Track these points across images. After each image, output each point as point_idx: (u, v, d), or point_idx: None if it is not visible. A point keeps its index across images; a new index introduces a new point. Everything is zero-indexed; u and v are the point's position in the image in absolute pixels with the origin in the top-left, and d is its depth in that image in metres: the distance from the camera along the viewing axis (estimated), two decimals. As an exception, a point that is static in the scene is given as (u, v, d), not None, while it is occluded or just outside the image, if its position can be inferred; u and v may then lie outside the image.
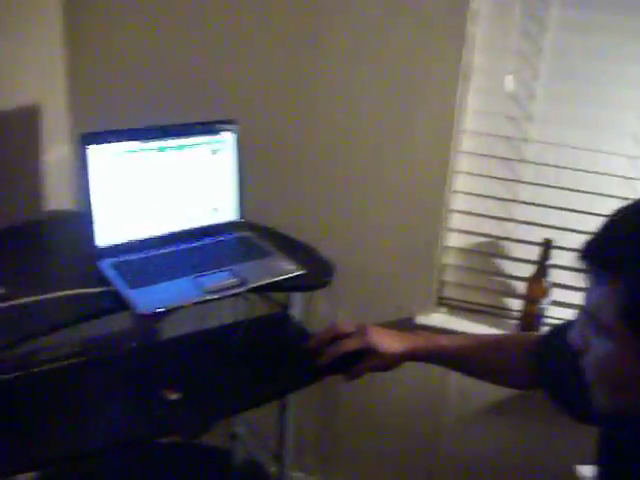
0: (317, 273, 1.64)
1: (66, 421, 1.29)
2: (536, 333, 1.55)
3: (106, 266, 1.54)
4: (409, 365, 1.39)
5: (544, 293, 1.91)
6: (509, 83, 1.87)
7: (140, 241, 1.63)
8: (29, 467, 1.28)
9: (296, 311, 1.72)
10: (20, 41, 1.81)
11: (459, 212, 2.00)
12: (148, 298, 1.43)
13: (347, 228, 2.01)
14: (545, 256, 1.89)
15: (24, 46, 1.83)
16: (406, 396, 2.15)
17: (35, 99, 1.88)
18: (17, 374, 1.40)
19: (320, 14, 1.85)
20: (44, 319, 1.37)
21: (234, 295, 1.52)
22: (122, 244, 1.60)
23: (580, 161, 1.88)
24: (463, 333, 1.94)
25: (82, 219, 1.55)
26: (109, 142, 1.54)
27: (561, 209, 1.92)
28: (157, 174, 1.63)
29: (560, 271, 1.89)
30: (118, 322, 1.64)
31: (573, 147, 1.88)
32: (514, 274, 2.01)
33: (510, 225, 1.98)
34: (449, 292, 2.10)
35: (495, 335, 1.76)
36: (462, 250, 2.04)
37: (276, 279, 1.56)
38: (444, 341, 1.37)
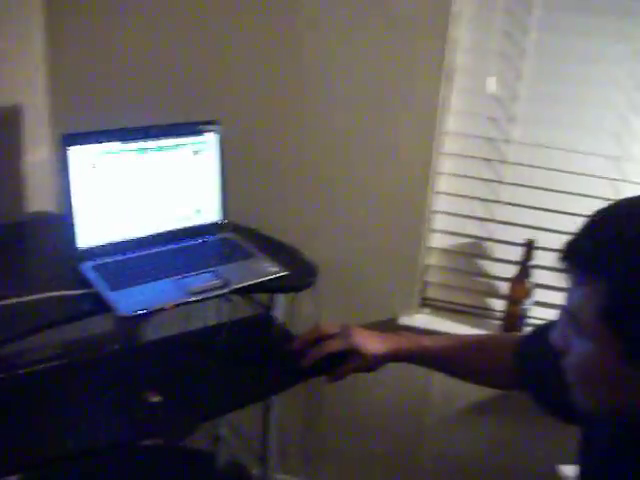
0: (300, 274, 1.64)
1: (48, 424, 1.28)
2: (519, 333, 1.56)
3: (87, 268, 1.53)
4: (392, 366, 1.39)
5: (527, 293, 1.92)
6: (491, 84, 1.88)
7: (122, 243, 1.62)
8: (11, 470, 1.27)
9: (280, 312, 1.71)
10: (0, 41, 1.79)
11: (442, 213, 2.01)
12: (130, 300, 1.42)
13: (330, 229, 2.01)
14: (527, 256, 1.90)
15: (4, 46, 1.81)
16: (389, 397, 2.15)
17: (16, 100, 1.87)
18: (-2, 376, 1.39)
19: (303, 15, 1.85)
20: (25, 321, 1.35)
21: (217, 297, 1.52)
22: (104, 246, 1.59)
23: (562, 162, 1.89)
24: (446, 334, 1.95)
25: (63, 221, 1.54)
26: (90, 143, 1.53)
27: (543, 210, 1.93)
28: (139, 175, 1.62)
29: (543, 271, 1.90)
30: (101, 324, 1.63)
31: (556, 148, 1.89)
32: (497, 275, 2.02)
33: (493, 226, 1.99)
34: (432, 293, 2.10)
35: (478, 336, 1.76)
36: (445, 251, 2.05)
37: (259, 280, 1.56)
38: (427, 342, 1.37)
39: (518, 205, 1.95)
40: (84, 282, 1.48)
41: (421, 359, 1.38)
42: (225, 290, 1.50)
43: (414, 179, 1.92)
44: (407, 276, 2.02)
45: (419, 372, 1.51)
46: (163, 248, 1.66)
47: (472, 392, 2.03)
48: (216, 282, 1.51)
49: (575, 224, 0.88)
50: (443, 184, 1.98)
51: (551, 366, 1.00)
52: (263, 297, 1.72)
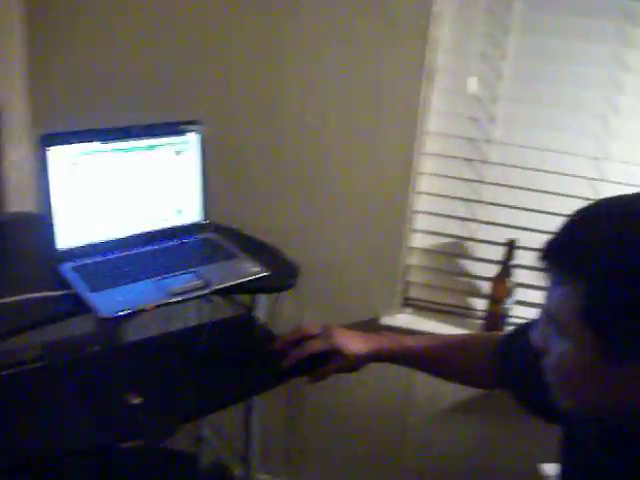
0: (282, 275, 1.64)
1: (27, 426, 1.27)
2: (500, 333, 1.56)
3: (67, 269, 1.51)
4: (375, 366, 1.39)
5: (508, 293, 1.93)
6: (472, 85, 1.88)
7: (102, 243, 1.60)
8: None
9: (261, 313, 1.71)
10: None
11: (424, 213, 2.01)
12: (110, 301, 1.41)
13: (312, 229, 2.01)
14: (509, 256, 1.90)
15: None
16: (372, 397, 2.15)
17: (-6, 99, 1.85)
18: (-24, 379, 1.37)
19: (285, 14, 1.84)
20: (5, 323, 1.34)
21: (198, 297, 1.51)
22: (84, 246, 1.57)
23: (543, 161, 1.90)
24: (428, 333, 1.96)
25: (43, 221, 1.53)
26: (70, 143, 1.51)
27: (524, 209, 1.94)
28: (120, 175, 1.61)
29: (524, 271, 1.91)
30: (81, 326, 1.61)
31: (536, 148, 1.90)
32: (478, 274, 2.03)
33: (474, 225, 1.99)
34: (414, 293, 2.11)
35: (460, 335, 1.76)
36: (427, 251, 2.05)
37: (240, 281, 1.55)
38: (409, 342, 1.37)
39: (499, 205, 1.96)
40: (64, 283, 1.47)
41: (403, 359, 1.38)
42: (206, 291, 1.49)
43: (395, 179, 1.92)
44: (389, 276, 2.02)
45: (401, 372, 1.52)
46: (144, 249, 1.65)
47: (454, 392, 2.04)
48: (197, 283, 1.51)
49: (555, 223, 0.89)
50: (425, 184, 1.98)
51: (532, 365, 1.00)
52: (245, 298, 1.71)
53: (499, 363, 1.26)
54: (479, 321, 2.03)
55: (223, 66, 1.92)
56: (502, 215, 1.96)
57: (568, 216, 0.89)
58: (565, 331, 0.87)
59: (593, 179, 1.88)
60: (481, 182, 1.96)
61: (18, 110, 1.95)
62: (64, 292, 1.45)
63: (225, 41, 1.90)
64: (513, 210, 1.95)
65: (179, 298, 1.46)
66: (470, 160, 1.94)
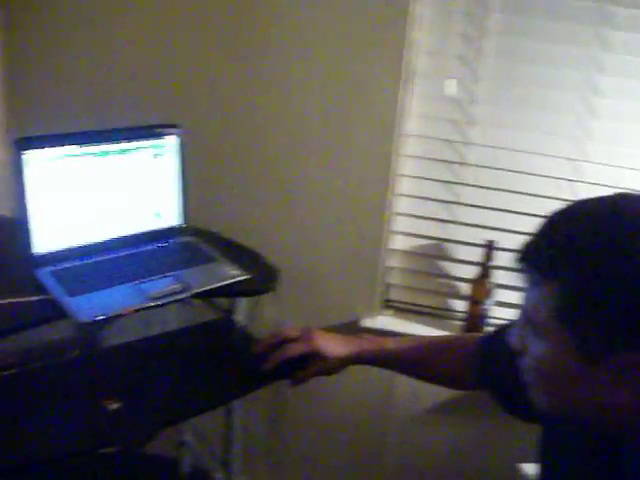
0: (262, 278, 1.63)
1: (4, 433, 1.26)
2: (480, 334, 1.57)
3: (45, 274, 1.50)
4: (355, 369, 1.39)
5: (487, 294, 1.94)
6: (451, 87, 1.89)
7: (80, 247, 1.59)
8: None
9: (241, 316, 1.70)
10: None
11: (403, 215, 2.02)
12: (88, 306, 1.41)
13: (291, 232, 2.01)
14: (488, 257, 1.91)
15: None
16: (353, 399, 2.15)
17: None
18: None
19: (263, 15, 1.84)
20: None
21: (177, 301, 1.50)
22: (61, 251, 1.56)
23: (521, 163, 1.91)
24: (408, 335, 1.96)
25: (19, 226, 1.51)
26: (46, 147, 1.50)
27: (503, 211, 1.95)
28: (97, 179, 1.60)
29: (503, 272, 1.92)
30: (59, 330, 1.60)
31: (514, 150, 1.91)
32: (458, 275, 2.03)
33: (453, 227, 2.00)
34: (394, 294, 2.11)
35: (440, 337, 1.77)
36: (407, 252, 2.06)
37: (220, 284, 1.55)
38: (389, 344, 1.37)
39: (478, 206, 1.97)
40: (41, 288, 1.46)
41: (383, 361, 1.38)
42: (185, 295, 1.49)
43: (374, 181, 1.92)
44: (369, 278, 2.02)
45: (382, 374, 1.52)
46: (122, 253, 1.64)
47: (434, 393, 2.05)
48: (176, 286, 1.50)
49: (534, 225, 0.89)
50: (404, 186, 1.99)
51: (510, 366, 1.01)
52: (224, 301, 1.71)
53: (478, 364, 1.27)
54: (459, 322, 2.04)
55: (202, 69, 1.91)
56: (481, 216, 1.97)
57: (545, 218, 0.89)
58: (542, 332, 0.87)
59: (571, 180, 1.89)
60: (460, 184, 1.96)
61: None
62: (41, 297, 1.44)
63: (204, 43, 1.89)
64: (492, 211, 1.96)
65: (158, 302, 1.46)
66: (449, 162, 1.95)
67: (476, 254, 1.94)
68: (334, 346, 1.36)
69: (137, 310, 1.43)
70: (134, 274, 1.54)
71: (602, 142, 1.86)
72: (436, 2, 1.82)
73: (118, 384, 1.42)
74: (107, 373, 1.48)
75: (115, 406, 1.31)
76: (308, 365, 1.37)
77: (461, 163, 1.95)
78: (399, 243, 2.04)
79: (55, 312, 1.40)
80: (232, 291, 1.60)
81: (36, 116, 1.95)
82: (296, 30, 1.84)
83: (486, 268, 1.92)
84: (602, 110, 1.84)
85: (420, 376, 1.41)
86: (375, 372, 1.44)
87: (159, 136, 1.69)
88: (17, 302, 1.41)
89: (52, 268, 1.52)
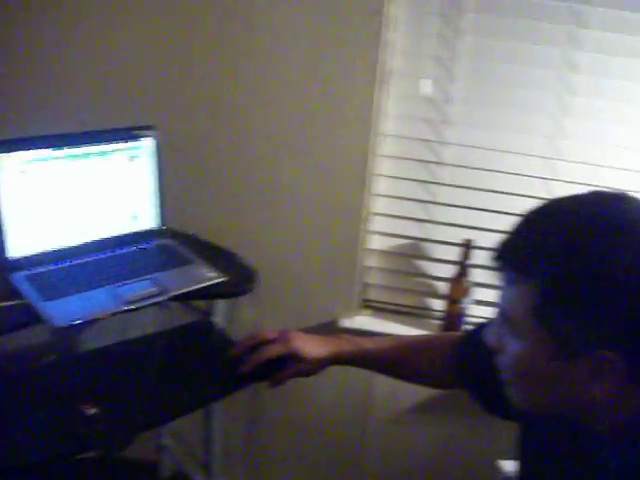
0: (239, 280, 1.63)
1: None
2: (458, 333, 1.58)
3: (20, 278, 1.48)
4: (334, 369, 1.39)
5: (465, 292, 1.95)
6: (426, 87, 1.90)
7: (56, 251, 1.58)
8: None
9: (220, 318, 1.69)
10: None
11: (380, 215, 2.02)
12: (64, 310, 1.39)
13: (268, 233, 2.00)
14: (465, 256, 1.92)
15: None
16: (332, 400, 2.15)
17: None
18: None
19: (238, 15, 1.84)
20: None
21: (154, 304, 1.49)
22: (36, 255, 1.54)
23: (497, 162, 1.92)
24: (387, 335, 1.96)
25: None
26: (19, 150, 1.48)
27: (480, 210, 1.96)
28: (72, 182, 1.58)
29: (481, 270, 1.93)
30: (36, 336, 1.58)
31: (490, 149, 1.92)
32: (436, 275, 2.04)
33: (431, 226, 2.01)
34: (373, 294, 2.11)
35: (419, 336, 1.77)
36: (384, 252, 2.06)
37: (197, 287, 1.54)
38: (368, 344, 1.37)
39: (455, 205, 1.98)
40: (16, 293, 1.44)
41: (362, 362, 1.38)
42: (162, 298, 1.48)
43: (351, 181, 1.92)
44: (347, 278, 2.02)
45: (361, 374, 1.52)
46: (99, 256, 1.62)
47: (413, 393, 2.05)
48: (153, 290, 1.49)
49: (510, 223, 0.90)
50: (381, 186, 1.99)
51: (488, 364, 1.01)
52: (203, 303, 1.70)
53: (456, 363, 1.27)
54: (437, 321, 2.05)
55: (178, 70, 1.90)
56: (458, 216, 1.98)
57: (520, 216, 0.90)
58: (519, 330, 0.88)
59: (546, 179, 1.91)
60: (437, 183, 1.97)
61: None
62: (16, 302, 1.42)
63: (180, 45, 1.88)
64: (469, 210, 1.97)
65: (135, 306, 1.45)
66: (425, 161, 1.96)
67: (454, 253, 1.95)
68: (312, 347, 1.36)
69: (114, 314, 1.42)
70: (111, 277, 1.53)
71: (576, 140, 1.88)
72: (410, 3, 1.83)
73: (96, 388, 1.41)
74: (85, 378, 1.47)
75: (93, 411, 1.30)
76: (286, 366, 1.37)
77: (437, 162, 1.95)
78: (377, 243, 2.05)
79: (31, 317, 1.39)
80: (210, 293, 1.59)
81: (8, 119, 1.93)
82: (272, 32, 1.84)
83: (464, 267, 1.93)
84: (576, 109, 1.86)
85: (399, 376, 1.41)
86: (354, 372, 1.44)
87: (135, 138, 1.67)
88: (-8, 307, 1.40)
89: (27, 272, 1.51)
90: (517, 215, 0.90)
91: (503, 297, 0.91)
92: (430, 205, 1.99)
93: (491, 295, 1.95)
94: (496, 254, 0.90)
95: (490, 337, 0.96)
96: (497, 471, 1.72)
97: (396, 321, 2.06)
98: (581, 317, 0.81)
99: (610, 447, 0.90)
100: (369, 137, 1.88)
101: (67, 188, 1.57)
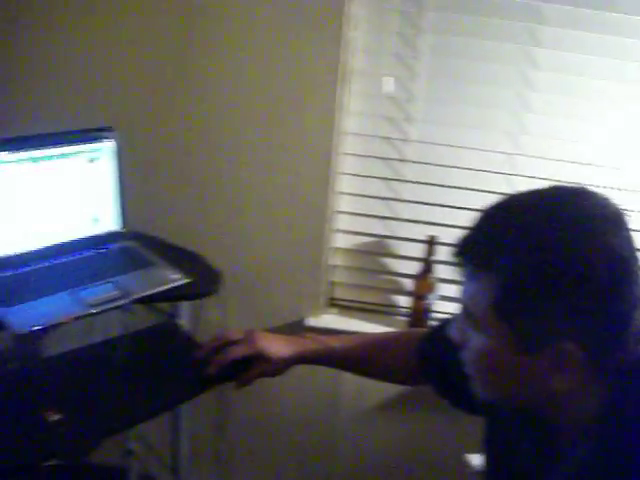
0: (204, 281, 1.61)
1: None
2: (424, 329, 1.58)
3: (-22, 285, 1.46)
4: (301, 368, 1.39)
5: (430, 289, 1.96)
6: (388, 85, 1.90)
7: (15, 256, 1.55)
8: None
9: (185, 320, 1.68)
10: None
11: (345, 213, 2.02)
12: (25, 316, 1.37)
13: (233, 234, 2.00)
14: (430, 253, 1.93)
15: None
16: (298, 400, 2.15)
17: None
18: None
19: (200, 15, 1.82)
20: None
21: (117, 308, 1.48)
22: (-5, 260, 1.52)
23: (459, 159, 1.93)
24: (354, 333, 1.95)
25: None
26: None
27: (443, 206, 1.97)
28: (30, 185, 1.55)
29: (445, 267, 1.94)
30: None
31: (452, 145, 1.93)
32: (401, 272, 2.05)
33: (395, 224, 2.01)
34: (339, 293, 2.11)
35: (384, 334, 1.77)
36: (350, 250, 2.06)
37: (160, 289, 1.53)
38: (333, 343, 1.37)
39: (419, 202, 1.99)
40: (-25, 300, 1.42)
41: (328, 360, 1.37)
42: (125, 301, 1.46)
43: (315, 180, 1.92)
44: (312, 277, 2.02)
45: (328, 373, 1.52)
46: (60, 260, 1.60)
47: (380, 390, 2.06)
48: (115, 293, 1.48)
49: (473, 219, 0.90)
50: (345, 184, 1.99)
51: (452, 359, 1.02)
52: (167, 306, 1.68)
53: (422, 359, 1.28)
54: (404, 318, 2.06)
55: (136, 71, 1.89)
56: (422, 212, 1.99)
57: (480, 212, 0.90)
58: (480, 325, 0.88)
59: (507, 174, 1.92)
60: (400, 180, 1.98)
61: None
62: (-26, 309, 1.40)
63: (138, 46, 1.86)
64: (433, 207, 1.98)
65: (97, 309, 1.43)
66: (388, 159, 1.96)
67: (418, 250, 1.96)
68: (277, 347, 1.35)
69: (76, 318, 1.40)
70: (72, 281, 1.51)
71: (537, 136, 1.90)
72: (371, 1, 1.84)
73: (59, 394, 1.38)
74: (47, 384, 1.44)
75: (56, 417, 1.28)
76: (252, 367, 1.36)
77: (400, 160, 1.96)
78: (342, 241, 2.05)
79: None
80: (173, 295, 1.58)
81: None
82: (232, 30, 1.83)
83: (428, 263, 1.94)
84: (535, 105, 1.88)
85: (364, 373, 1.41)
86: (321, 371, 1.44)
87: (94, 140, 1.65)
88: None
89: (-14, 278, 1.48)
90: (479, 210, 0.91)
91: (464, 292, 0.91)
92: (394, 202, 2.00)
93: (456, 291, 1.96)
94: (456, 250, 0.90)
95: (454, 332, 0.97)
96: (465, 465, 1.74)
97: (362, 319, 2.06)
98: (540, 310, 0.82)
99: (573, 438, 0.91)
100: (332, 136, 1.88)
101: (26, 191, 1.55)
